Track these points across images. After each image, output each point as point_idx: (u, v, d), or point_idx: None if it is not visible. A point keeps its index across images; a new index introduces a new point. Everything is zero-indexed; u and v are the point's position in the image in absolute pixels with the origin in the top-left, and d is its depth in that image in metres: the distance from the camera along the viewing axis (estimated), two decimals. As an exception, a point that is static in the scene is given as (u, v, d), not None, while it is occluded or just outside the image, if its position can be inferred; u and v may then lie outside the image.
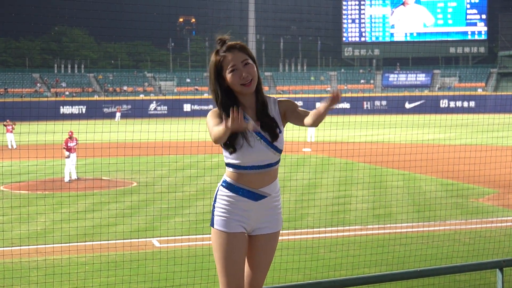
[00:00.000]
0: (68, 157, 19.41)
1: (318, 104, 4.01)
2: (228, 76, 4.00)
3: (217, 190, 4.17)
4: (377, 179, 17.40)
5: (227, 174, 4.14)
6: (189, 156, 21.89)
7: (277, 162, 4.15)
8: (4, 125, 32.71)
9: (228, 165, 4.12)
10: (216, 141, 3.87)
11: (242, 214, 4.09)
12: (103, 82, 77.67)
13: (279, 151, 4.10)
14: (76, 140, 19.78)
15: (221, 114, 4.04)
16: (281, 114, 4.15)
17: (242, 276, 4.14)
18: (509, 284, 7.55)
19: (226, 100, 4.04)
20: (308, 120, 4.00)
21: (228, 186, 4.11)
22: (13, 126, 32.18)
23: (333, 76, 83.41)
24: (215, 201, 4.16)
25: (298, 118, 4.10)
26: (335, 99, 3.75)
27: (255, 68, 4.06)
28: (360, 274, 8.48)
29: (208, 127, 3.98)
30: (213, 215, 4.15)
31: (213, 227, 4.13)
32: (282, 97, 4.26)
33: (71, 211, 13.71)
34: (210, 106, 70.58)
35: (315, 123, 3.97)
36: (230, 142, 4.00)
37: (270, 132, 4.08)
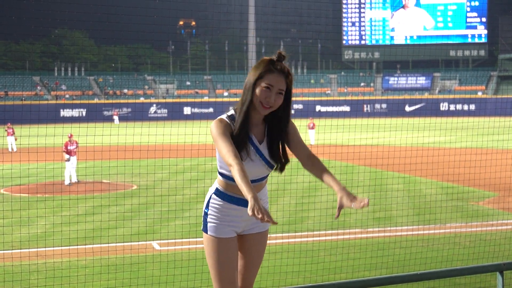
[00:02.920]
0: (68, 160, 19.41)
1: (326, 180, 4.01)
2: (259, 88, 3.97)
3: (209, 197, 4.20)
4: (377, 182, 17.40)
5: (219, 183, 4.18)
6: (189, 159, 21.91)
7: (267, 175, 4.22)
8: (6, 130, 32.73)
9: (221, 174, 4.16)
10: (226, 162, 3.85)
11: (234, 219, 4.15)
12: (103, 85, 77.72)
13: (272, 168, 4.15)
14: (76, 143, 19.78)
15: (236, 114, 4.01)
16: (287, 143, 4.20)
17: (236, 279, 4.20)
18: (510, 287, 7.55)
19: (248, 108, 4.00)
20: (307, 166, 4.12)
21: (220, 194, 4.16)
22: (13, 129, 32.23)
23: (333, 79, 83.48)
24: (207, 207, 4.19)
25: (296, 149, 4.15)
26: (352, 205, 3.79)
27: (282, 101, 4.06)
28: (360, 277, 8.49)
29: (218, 146, 3.89)
30: (205, 220, 4.19)
31: (205, 232, 4.18)
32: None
33: (71, 214, 13.72)
34: (210, 109, 70.66)
35: (311, 173, 4.10)
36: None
37: (274, 158, 4.13)
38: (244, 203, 4.11)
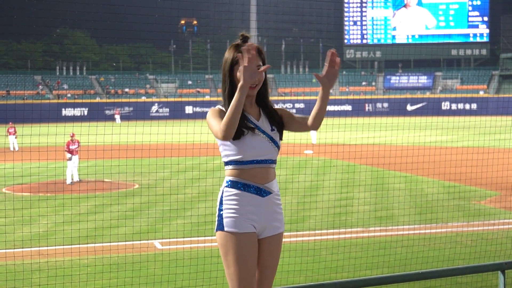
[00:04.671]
0: (70, 159, 19.42)
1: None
2: (239, 73, 4.06)
3: (222, 194, 4.14)
4: (379, 181, 17.40)
5: (229, 173, 4.13)
6: (191, 158, 21.90)
7: (275, 161, 4.22)
8: (8, 130, 32.79)
9: (228, 163, 4.12)
10: (227, 129, 3.83)
11: (252, 211, 4.06)
12: (104, 84, 77.75)
13: (278, 147, 4.18)
14: (78, 142, 19.78)
15: (225, 108, 4.10)
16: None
17: (254, 279, 4.09)
18: (511, 287, 7.55)
19: (232, 92, 4.08)
20: (309, 120, 4.10)
21: (233, 184, 4.09)
22: (15, 128, 32.31)
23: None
24: (221, 204, 4.11)
25: (299, 123, 4.22)
26: (332, 62, 3.91)
27: (264, 74, 4.19)
28: (362, 276, 8.49)
29: (211, 125, 3.99)
30: (221, 218, 4.08)
31: (222, 230, 4.05)
32: (276, 107, 4.38)
33: (73, 213, 13.73)
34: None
35: (317, 119, 4.07)
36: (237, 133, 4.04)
37: (275, 125, 4.20)
38: (259, 191, 4.08)
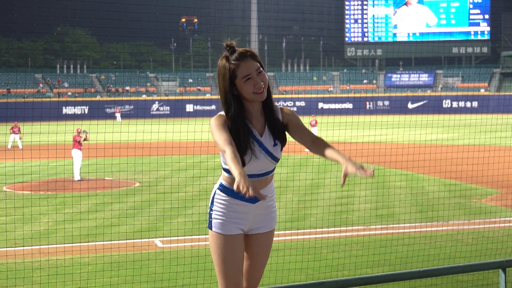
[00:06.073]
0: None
1: (336, 157, 4.05)
2: (242, 85, 3.95)
3: (214, 193, 4.16)
4: (380, 179, 17.40)
5: (224, 178, 4.13)
6: (192, 156, 21.89)
7: (273, 169, 4.17)
8: (12, 128, 32.86)
9: (225, 170, 4.12)
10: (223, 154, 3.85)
11: (240, 216, 4.10)
12: (105, 83, 77.72)
13: (277, 160, 4.12)
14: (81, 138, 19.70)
15: (228, 124, 3.97)
16: (284, 124, 4.15)
17: (241, 276, 4.17)
18: (512, 285, 7.54)
19: (238, 111, 3.98)
20: (313, 149, 4.06)
21: (224, 189, 4.11)
22: (19, 128, 32.40)
23: (336, 76, 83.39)
24: (212, 203, 4.16)
25: (300, 136, 4.13)
26: (361, 173, 3.83)
27: (267, 76, 4.06)
28: (362, 274, 8.48)
29: (216, 138, 3.86)
30: (210, 217, 4.15)
31: (210, 229, 4.13)
32: (286, 108, 4.22)
33: (74, 211, 13.73)
34: (213, 107, 70.73)
35: (317, 154, 4.05)
36: (240, 156, 3.92)
37: (278, 139, 4.10)
38: (249, 199, 4.04)
